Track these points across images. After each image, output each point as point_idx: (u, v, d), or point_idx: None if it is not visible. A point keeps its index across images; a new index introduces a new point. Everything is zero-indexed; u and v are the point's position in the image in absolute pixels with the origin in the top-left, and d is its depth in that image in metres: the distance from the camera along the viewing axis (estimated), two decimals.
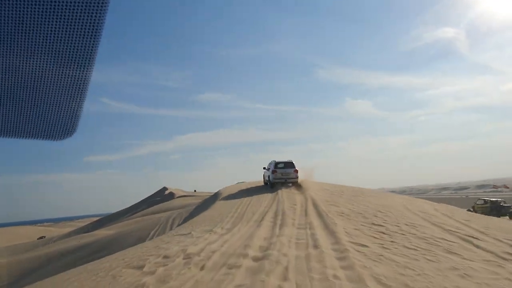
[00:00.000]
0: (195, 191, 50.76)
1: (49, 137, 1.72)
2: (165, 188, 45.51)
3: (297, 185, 18.50)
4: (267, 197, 15.45)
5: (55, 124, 1.67)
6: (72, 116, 1.65)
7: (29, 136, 1.70)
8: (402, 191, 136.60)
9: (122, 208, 44.97)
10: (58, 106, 1.61)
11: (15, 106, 1.60)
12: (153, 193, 44.72)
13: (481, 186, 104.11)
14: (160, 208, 18.20)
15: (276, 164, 19.44)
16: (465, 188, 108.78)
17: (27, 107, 1.61)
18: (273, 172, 19.02)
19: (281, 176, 18.78)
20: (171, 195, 30.58)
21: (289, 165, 19.20)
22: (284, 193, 15.71)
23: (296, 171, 18.83)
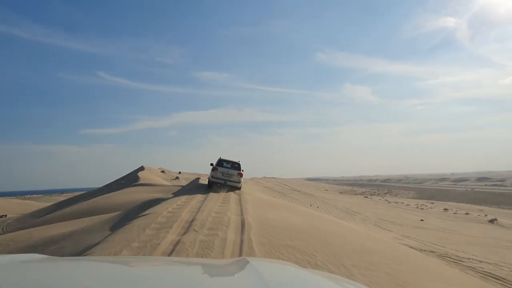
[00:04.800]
0: (179, 173, 46.30)
1: None
2: (141, 168, 40.80)
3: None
4: None
5: None
6: None
7: None
8: (398, 180, 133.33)
9: (100, 186, 40.56)
10: None
11: None
12: (130, 171, 40.08)
13: (481, 179, 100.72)
14: (90, 205, 13.67)
15: (220, 161, 17.59)
16: (465, 179, 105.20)
17: None
18: (213, 169, 17.08)
19: (221, 177, 16.91)
20: (136, 179, 25.64)
21: (235, 166, 17.46)
22: None
23: (241, 175, 17.10)
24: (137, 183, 20.67)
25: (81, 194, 38.85)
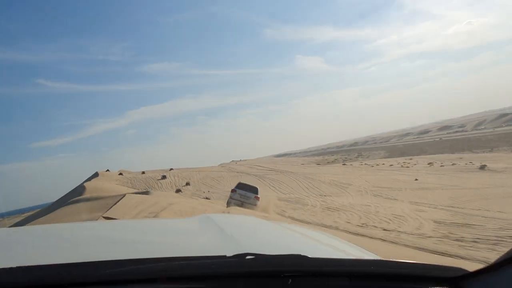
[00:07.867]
0: (143, 172, 42.99)
1: None
2: (96, 174, 36.30)
3: None
4: None
5: None
6: None
7: None
8: (365, 142, 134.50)
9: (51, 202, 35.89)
10: None
11: None
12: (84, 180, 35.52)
13: (443, 128, 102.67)
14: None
15: (239, 184, 19.74)
16: (427, 131, 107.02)
17: None
18: (233, 190, 19.07)
19: (239, 198, 18.56)
20: (81, 190, 21.59)
21: (252, 189, 19.10)
22: None
23: (257, 198, 18.75)
24: (79, 197, 16.60)
25: (30, 215, 34.09)
